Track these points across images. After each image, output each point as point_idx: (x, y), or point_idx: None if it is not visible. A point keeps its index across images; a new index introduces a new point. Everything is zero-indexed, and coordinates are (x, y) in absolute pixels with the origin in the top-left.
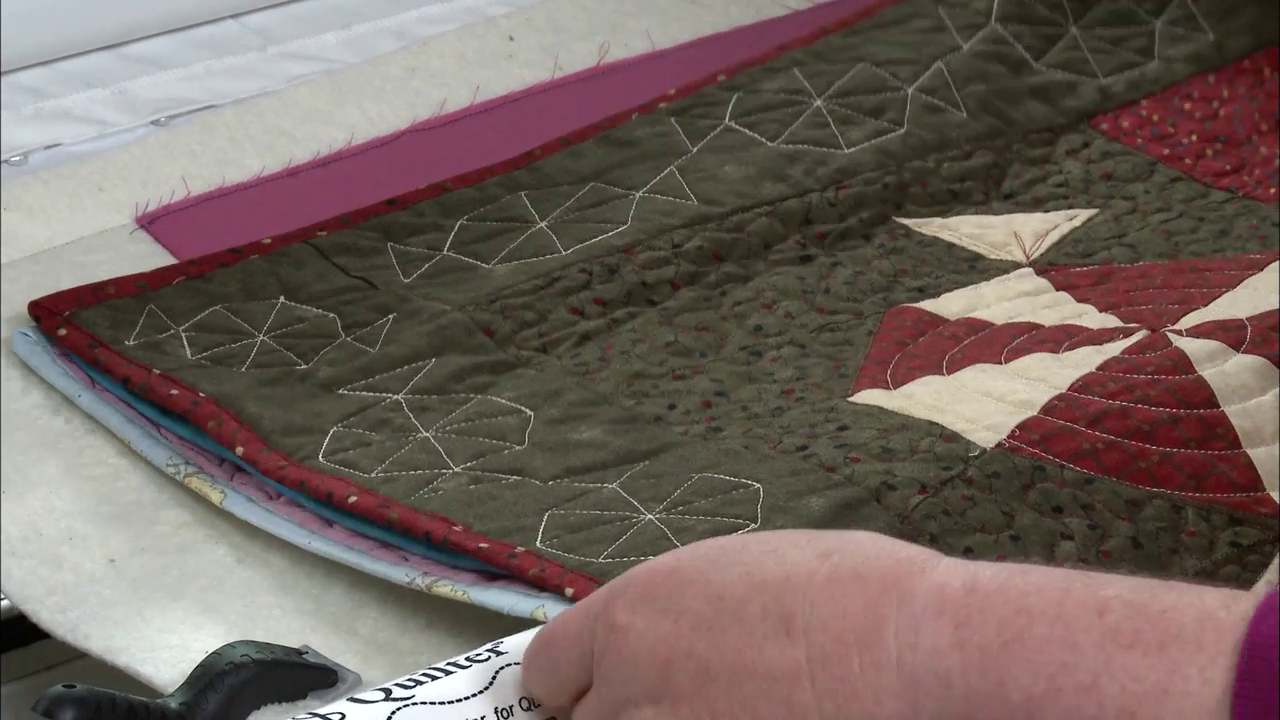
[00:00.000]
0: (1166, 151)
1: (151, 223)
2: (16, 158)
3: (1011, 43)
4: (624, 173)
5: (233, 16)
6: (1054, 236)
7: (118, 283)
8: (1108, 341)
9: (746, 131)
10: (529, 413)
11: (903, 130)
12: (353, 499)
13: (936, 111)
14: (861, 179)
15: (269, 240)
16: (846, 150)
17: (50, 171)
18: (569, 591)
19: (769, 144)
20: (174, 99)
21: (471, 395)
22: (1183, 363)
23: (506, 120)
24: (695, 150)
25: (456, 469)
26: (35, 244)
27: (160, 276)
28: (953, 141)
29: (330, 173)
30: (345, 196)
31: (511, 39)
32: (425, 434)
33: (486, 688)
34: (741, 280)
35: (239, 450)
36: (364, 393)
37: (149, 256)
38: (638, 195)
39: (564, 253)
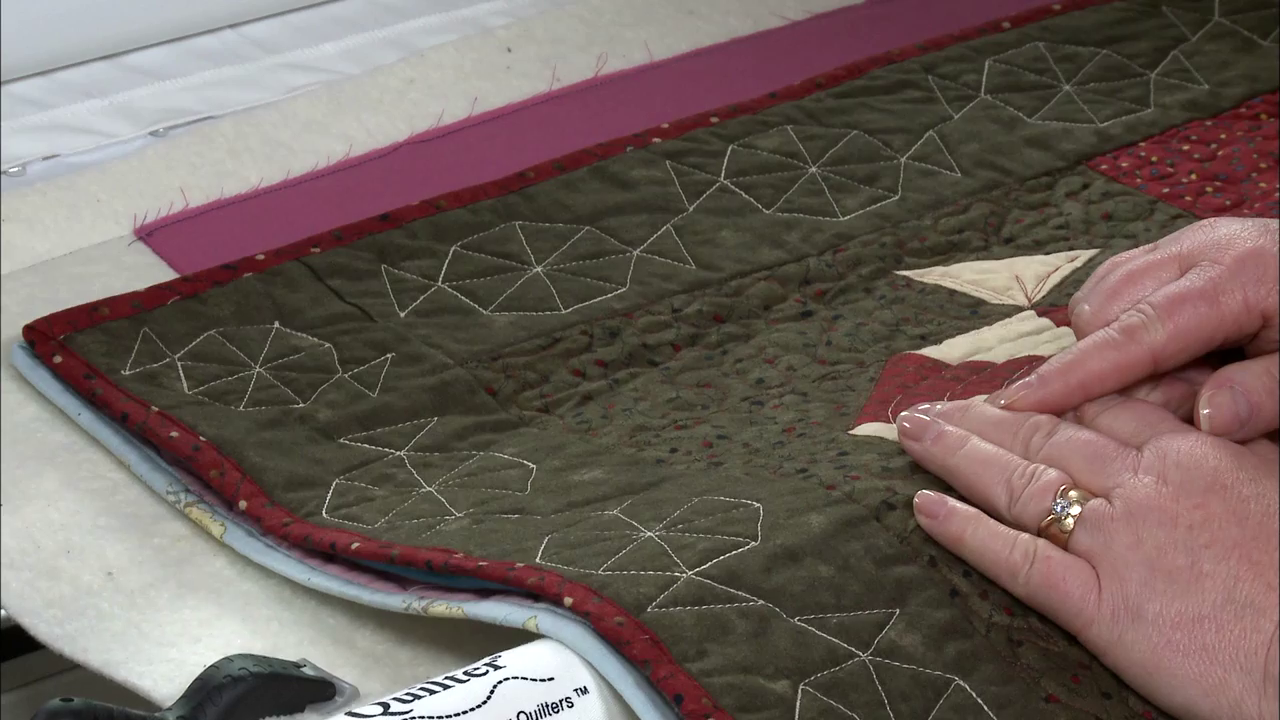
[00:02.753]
0: (1166, 190)
1: (150, 234)
2: (15, 169)
3: (1003, 106)
4: (620, 222)
5: (231, 27)
6: (1055, 279)
7: (112, 303)
8: None
9: (743, 194)
10: (531, 466)
11: (897, 196)
12: (355, 545)
13: (930, 175)
14: (858, 241)
15: (262, 257)
16: (842, 218)
17: (48, 183)
18: (568, 601)
19: (765, 211)
20: (172, 109)
21: (474, 452)
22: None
23: (504, 132)
24: (691, 209)
25: (459, 514)
26: (34, 255)
27: (154, 296)
28: (948, 199)
29: (328, 184)
30: (343, 209)
31: (510, 50)
32: (429, 488)
33: (484, 702)
34: (743, 339)
35: (242, 505)
36: (366, 445)
37: (147, 268)
38: (635, 254)
39: (563, 311)
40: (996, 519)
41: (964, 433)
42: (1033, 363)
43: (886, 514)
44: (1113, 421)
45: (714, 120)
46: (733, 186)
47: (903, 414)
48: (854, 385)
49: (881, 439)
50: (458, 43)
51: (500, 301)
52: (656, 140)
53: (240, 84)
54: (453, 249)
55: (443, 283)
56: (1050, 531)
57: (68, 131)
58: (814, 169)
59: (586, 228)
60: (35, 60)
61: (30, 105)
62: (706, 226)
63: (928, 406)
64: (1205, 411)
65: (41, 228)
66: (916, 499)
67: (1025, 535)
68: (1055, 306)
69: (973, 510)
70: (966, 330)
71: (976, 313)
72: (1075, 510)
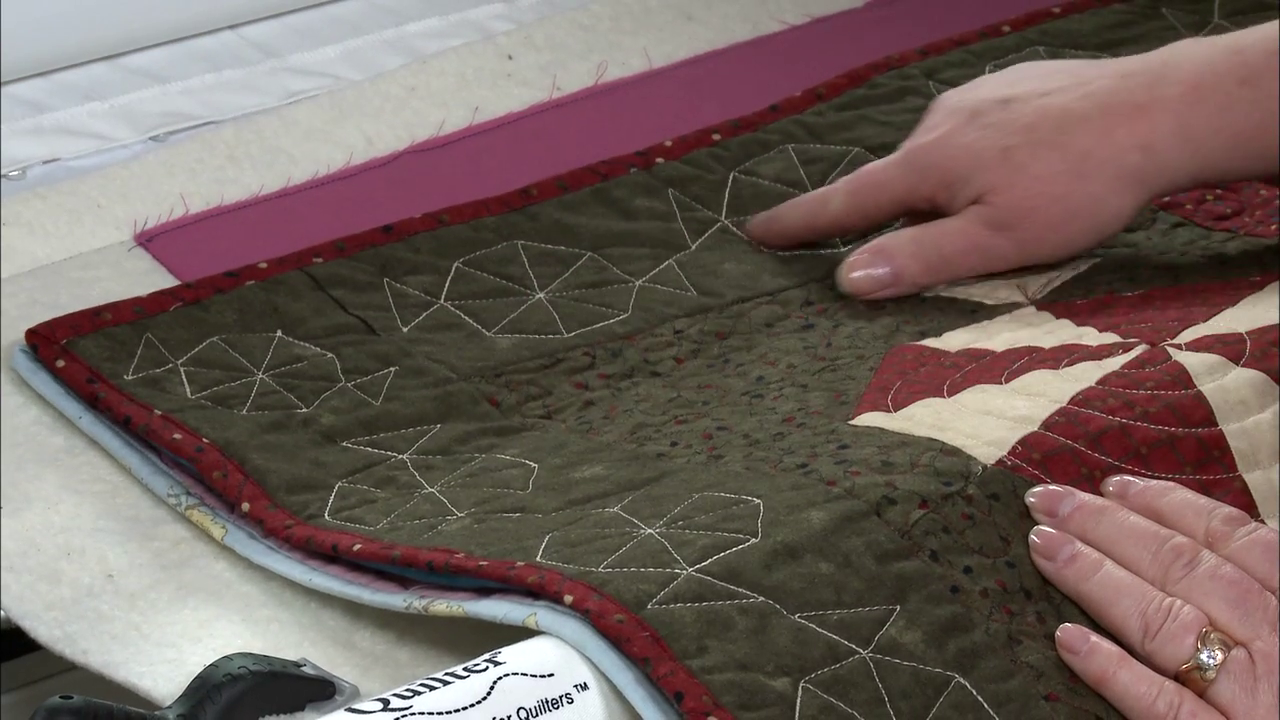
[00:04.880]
0: (1166, 199)
1: (150, 240)
2: (15, 172)
3: None
4: (622, 253)
5: (230, 28)
6: (1056, 282)
7: (114, 308)
8: (1107, 356)
9: (744, 238)
10: (533, 465)
11: (901, 221)
12: (357, 547)
13: None
14: None
15: (265, 265)
16: (843, 249)
17: (49, 187)
18: (568, 599)
19: (767, 250)
20: (173, 113)
21: (477, 455)
22: (1182, 378)
23: (505, 142)
24: (694, 247)
25: (460, 514)
26: (34, 260)
27: (156, 302)
28: None
29: (328, 193)
30: (343, 218)
31: (510, 58)
32: (430, 489)
33: (484, 698)
34: (744, 349)
35: (245, 507)
36: (369, 449)
37: (147, 274)
38: (637, 284)
39: (566, 335)
40: (1127, 650)
41: (1099, 556)
42: (1032, 352)
43: (887, 509)
44: (1246, 555)
45: (716, 138)
46: (735, 229)
47: (1035, 530)
48: (854, 374)
49: (881, 430)
50: (459, 50)
51: (503, 325)
52: (660, 161)
53: (241, 88)
54: (455, 265)
55: (445, 301)
56: (1190, 677)
57: (67, 135)
58: None
59: (589, 254)
60: (35, 61)
61: (30, 107)
62: (709, 260)
63: (1059, 490)
64: (852, 275)
65: (42, 232)
66: (1058, 633)
67: (1170, 684)
68: (1056, 302)
69: (1116, 649)
70: (966, 326)
71: (977, 313)
72: (1218, 657)
